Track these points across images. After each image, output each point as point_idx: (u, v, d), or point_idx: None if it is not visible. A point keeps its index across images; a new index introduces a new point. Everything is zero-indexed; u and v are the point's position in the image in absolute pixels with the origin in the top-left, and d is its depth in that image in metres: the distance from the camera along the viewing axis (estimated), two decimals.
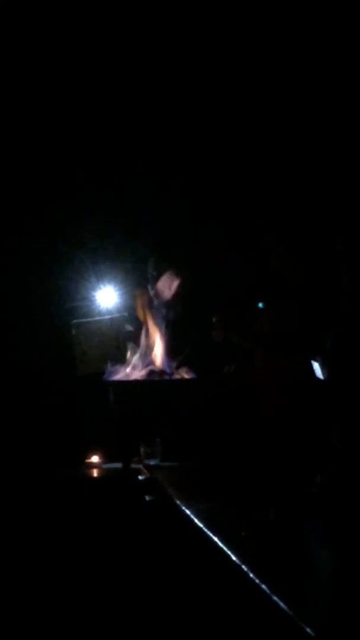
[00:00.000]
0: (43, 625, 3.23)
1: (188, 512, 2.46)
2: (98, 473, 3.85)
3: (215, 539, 2.10)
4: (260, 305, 3.85)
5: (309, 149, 4.15)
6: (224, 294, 4.27)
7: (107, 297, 4.50)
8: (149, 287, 4.35)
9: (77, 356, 4.29)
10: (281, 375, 3.51)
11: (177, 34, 4.34)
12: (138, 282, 4.39)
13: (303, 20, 4.07)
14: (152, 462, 3.64)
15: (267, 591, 1.66)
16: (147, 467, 3.58)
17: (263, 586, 1.69)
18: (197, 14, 4.26)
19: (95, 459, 3.96)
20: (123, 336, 4.21)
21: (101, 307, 4.47)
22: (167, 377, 4.10)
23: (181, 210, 4.62)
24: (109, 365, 4.11)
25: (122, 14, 4.36)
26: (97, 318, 4.37)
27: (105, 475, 3.82)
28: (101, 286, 4.52)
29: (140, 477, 3.50)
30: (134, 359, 4.16)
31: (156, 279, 4.31)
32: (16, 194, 4.69)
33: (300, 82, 4.17)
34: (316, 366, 3.08)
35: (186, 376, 4.12)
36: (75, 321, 4.33)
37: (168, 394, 3.99)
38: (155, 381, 4.10)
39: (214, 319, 3.81)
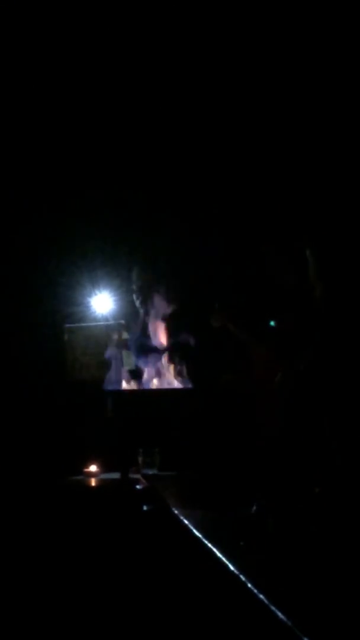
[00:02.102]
0: (42, 634, 3.22)
1: (186, 521, 2.46)
2: (96, 482, 3.84)
3: (214, 548, 2.10)
4: (272, 323, 3.84)
5: (303, 155, 4.16)
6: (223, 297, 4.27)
7: (102, 303, 4.50)
8: (134, 296, 4.35)
9: (68, 362, 4.27)
10: (280, 384, 3.51)
11: (178, 40, 4.36)
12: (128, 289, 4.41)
13: (303, 24, 4.09)
14: (150, 472, 3.63)
15: (266, 601, 1.66)
16: (145, 476, 3.57)
17: (261, 596, 1.69)
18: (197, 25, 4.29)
19: (93, 468, 3.95)
20: (118, 344, 4.19)
21: (96, 313, 4.46)
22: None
23: (177, 216, 4.63)
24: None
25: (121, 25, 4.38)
26: (91, 324, 4.35)
27: (103, 484, 3.81)
28: (97, 292, 4.52)
29: (138, 487, 3.49)
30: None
31: (141, 289, 4.31)
32: (11, 200, 4.70)
33: (303, 90, 4.19)
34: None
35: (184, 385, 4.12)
36: (68, 325, 4.31)
37: (166, 403, 3.99)
38: (153, 390, 4.10)
39: (216, 305, 3.81)
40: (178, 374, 4.14)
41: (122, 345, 4.22)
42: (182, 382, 4.14)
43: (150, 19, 4.36)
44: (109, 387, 4.10)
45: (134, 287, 4.40)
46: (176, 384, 4.13)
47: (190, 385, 4.11)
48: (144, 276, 4.37)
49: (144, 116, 4.58)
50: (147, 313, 4.33)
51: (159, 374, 4.18)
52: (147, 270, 4.39)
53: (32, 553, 3.41)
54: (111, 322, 4.38)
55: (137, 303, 4.37)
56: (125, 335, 4.27)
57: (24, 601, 3.31)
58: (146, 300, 4.33)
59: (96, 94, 4.57)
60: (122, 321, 4.34)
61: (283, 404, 3.17)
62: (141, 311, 4.34)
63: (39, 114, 4.60)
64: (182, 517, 2.53)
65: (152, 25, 4.35)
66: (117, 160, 4.72)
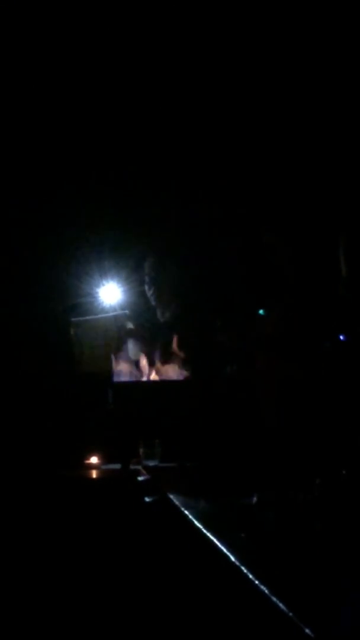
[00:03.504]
0: (43, 626, 3.23)
1: (187, 513, 2.46)
2: (97, 474, 3.84)
3: (215, 540, 2.09)
4: (261, 312, 3.85)
5: (309, 145, 4.14)
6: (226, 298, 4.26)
7: (109, 294, 4.49)
8: (146, 287, 4.34)
9: (76, 355, 4.27)
10: (282, 376, 3.51)
11: (177, 34, 4.34)
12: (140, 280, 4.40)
13: (303, 20, 4.08)
14: (152, 463, 3.63)
15: (267, 592, 1.66)
16: (147, 468, 3.57)
17: (262, 587, 1.69)
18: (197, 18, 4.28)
19: (94, 460, 3.95)
20: (124, 334, 4.19)
21: (104, 304, 4.46)
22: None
23: (183, 208, 4.62)
24: (112, 365, 4.10)
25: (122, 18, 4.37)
26: (96, 316, 4.35)
27: (105, 476, 3.82)
28: (104, 283, 4.51)
29: (139, 478, 3.49)
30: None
31: (153, 280, 4.30)
32: (18, 191, 4.69)
33: (301, 80, 4.17)
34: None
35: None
36: (74, 319, 4.31)
37: (168, 395, 3.99)
38: (155, 382, 4.09)
39: (218, 323, 3.81)
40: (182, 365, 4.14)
41: (129, 335, 4.21)
42: (184, 373, 4.14)
43: (151, 14, 4.35)
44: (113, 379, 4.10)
45: (147, 278, 4.39)
46: (178, 375, 4.13)
47: (191, 377, 4.11)
48: (157, 266, 4.36)
49: (151, 103, 4.57)
50: (158, 304, 4.32)
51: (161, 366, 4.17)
52: (161, 261, 4.37)
53: (33, 544, 3.41)
54: (116, 312, 4.37)
55: (149, 294, 4.36)
56: (130, 325, 4.27)
57: (27, 591, 3.32)
58: (158, 291, 4.32)
59: (100, 83, 4.55)
60: (127, 311, 4.33)
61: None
62: (153, 302, 4.34)
63: (41, 100, 4.59)
64: (183, 509, 2.53)
65: (152, 16, 4.34)
66: (124, 150, 4.71)
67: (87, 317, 4.34)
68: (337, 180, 3.88)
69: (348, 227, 3.16)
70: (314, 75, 4.14)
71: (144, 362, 4.15)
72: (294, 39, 4.14)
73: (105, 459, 3.94)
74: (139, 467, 3.63)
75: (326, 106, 4.09)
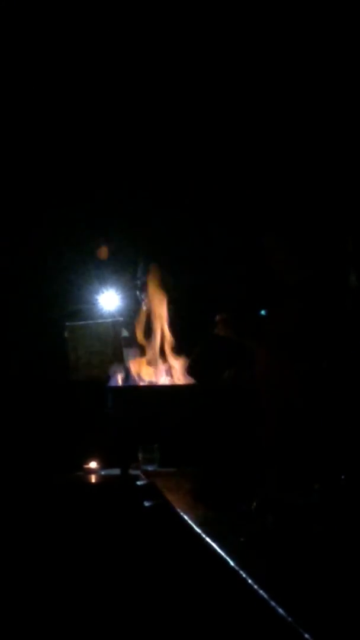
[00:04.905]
0: (42, 630, 3.22)
1: (187, 517, 2.46)
2: (96, 479, 3.84)
3: (214, 544, 2.09)
4: (263, 312, 3.85)
5: (311, 149, 4.15)
6: (224, 296, 4.27)
7: (108, 301, 4.50)
8: (137, 292, 4.35)
9: (70, 361, 4.26)
10: (282, 380, 3.50)
11: (178, 36, 4.35)
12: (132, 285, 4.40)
13: (303, 19, 4.08)
14: (151, 468, 3.63)
15: (266, 597, 1.66)
16: (146, 472, 3.57)
17: (261, 592, 1.68)
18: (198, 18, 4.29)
19: (93, 464, 3.95)
20: (119, 341, 4.19)
21: (103, 311, 4.47)
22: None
23: (182, 213, 4.63)
24: (109, 371, 4.10)
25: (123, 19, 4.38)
26: (91, 322, 4.35)
27: (104, 481, 3.81)
28: (103, 290, 4.53)
29: (138, 483, 3.49)
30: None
31: (145, 283, 4.31)
32: (17, 198, 4.70)
33: (302, 80, 4.18)
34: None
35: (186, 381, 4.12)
36: (69, 324, 4.30)
37: (167, 399, 3.99)
38: (154, 386, 4.09)
39: (217, 318, 3.82)
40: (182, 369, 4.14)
41: (123, 342, 4.22)
42: (183, 378, 4.14)
43: (151, 18, 4.35)
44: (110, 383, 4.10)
45: (139, 282, 4.39)
46: (177, 380, 4.13)
47: (190, 381, 4.11)
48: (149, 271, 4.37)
49: (147, 111, 4.58)
50: (149, 309, 4.32)
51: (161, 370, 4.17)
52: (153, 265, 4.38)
53: (33, 549, 3.41)
54: (109, 319, 4.38)
55: (141, 298, 4.37)
56: (125, 333, 4.27)
57: (26, 595, 3.32)
58: (149, 296, 4.32)
59: (98, 91, 4.57)
60: (121, 318, 4.33)
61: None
62: (144, 307, 4.34)
63: (41, 106, 4.60)
64: (182, 513, 2.52)
65: (152, 25, 4.35)
66: (123, 158, 4.72)
67: (81, 322, 4.34)
68: (343, 184, 3.88)
69: (355, 233, 3.16)
70: (319, 79, 4.15)
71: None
72: (296, 43, 4.16)
73: (105, 463, 3.93)
74: (138, 472, 3.62)
75: (332, 110, 4.09)
